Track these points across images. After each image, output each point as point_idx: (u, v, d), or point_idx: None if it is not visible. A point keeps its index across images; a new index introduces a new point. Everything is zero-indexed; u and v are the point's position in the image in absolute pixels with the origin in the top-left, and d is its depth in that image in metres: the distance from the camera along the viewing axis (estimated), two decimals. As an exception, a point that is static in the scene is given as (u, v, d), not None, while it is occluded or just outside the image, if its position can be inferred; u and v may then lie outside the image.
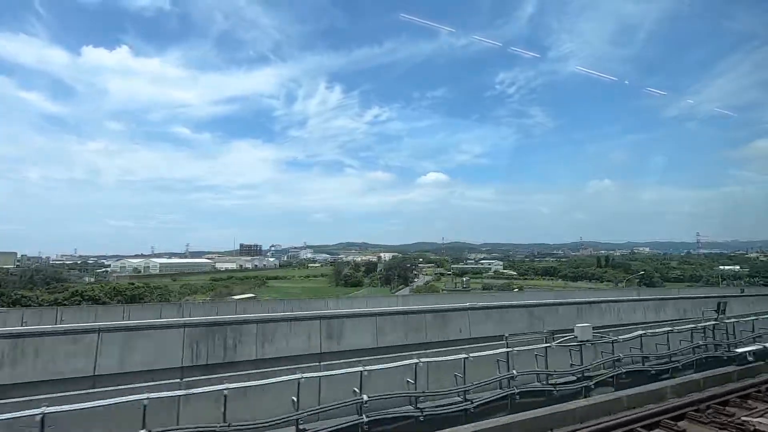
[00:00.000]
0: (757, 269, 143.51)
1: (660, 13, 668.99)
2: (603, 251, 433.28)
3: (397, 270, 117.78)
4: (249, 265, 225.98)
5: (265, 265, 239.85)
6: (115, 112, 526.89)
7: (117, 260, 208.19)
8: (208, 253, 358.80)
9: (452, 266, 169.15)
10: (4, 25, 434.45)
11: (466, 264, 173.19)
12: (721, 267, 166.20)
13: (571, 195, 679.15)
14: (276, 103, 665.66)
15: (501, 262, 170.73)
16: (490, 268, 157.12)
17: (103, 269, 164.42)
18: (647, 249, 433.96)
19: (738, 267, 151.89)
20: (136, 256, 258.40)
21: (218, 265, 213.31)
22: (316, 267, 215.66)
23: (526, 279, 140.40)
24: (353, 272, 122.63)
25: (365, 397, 8.37)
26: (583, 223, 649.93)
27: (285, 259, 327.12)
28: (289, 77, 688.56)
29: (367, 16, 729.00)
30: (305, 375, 8.29)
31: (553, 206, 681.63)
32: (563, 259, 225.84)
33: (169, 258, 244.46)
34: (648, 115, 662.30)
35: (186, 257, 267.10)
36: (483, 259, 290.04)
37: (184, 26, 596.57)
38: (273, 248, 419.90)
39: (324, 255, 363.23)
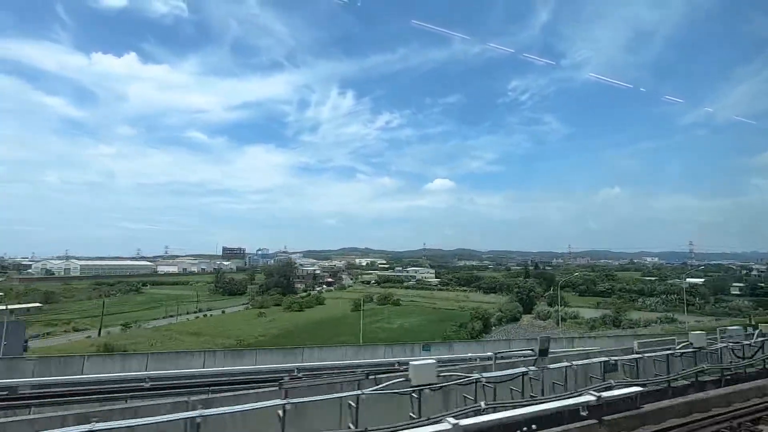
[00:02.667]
0: (712, 284, 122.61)
1: (676, 19, 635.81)
2: (603, 260, 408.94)
3: (275, 278, 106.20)
4: (196, 269, 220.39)
5: (215, 268, 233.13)
6: (131, 117, 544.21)
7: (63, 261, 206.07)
8: (188, 256, 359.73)
9: (380, 274, 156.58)
10: (29, 32, 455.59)
11: (396, 271, 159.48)
12: (689, 279, 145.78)
13: (583, 203, 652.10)
14: (289, 109, 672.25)
15: (433, 270, 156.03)
16: (415, 276, 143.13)
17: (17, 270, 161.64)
18: (656, 259, 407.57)
19: (702, 280, 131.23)
20: (129, 258, 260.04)
21: (160, 269, 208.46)
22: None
23: (440, 290, 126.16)
24: (233, 278, 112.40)
25: None
26: (594, 232, 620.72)
27: (271, 263, 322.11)
28: (303, 83, 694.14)
29: (381, 24, 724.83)
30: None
31: (564, 214, 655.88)
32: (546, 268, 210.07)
33: (139, 260, 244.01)
34: (663, 122, 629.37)
35: (160, 261, 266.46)
36: (482, 265, 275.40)
37: (200, 33, 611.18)
38: (260, 252, 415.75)
39: (311, 260, 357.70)
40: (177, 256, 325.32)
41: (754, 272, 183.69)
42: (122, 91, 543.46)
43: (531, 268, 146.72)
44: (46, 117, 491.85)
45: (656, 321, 60.06)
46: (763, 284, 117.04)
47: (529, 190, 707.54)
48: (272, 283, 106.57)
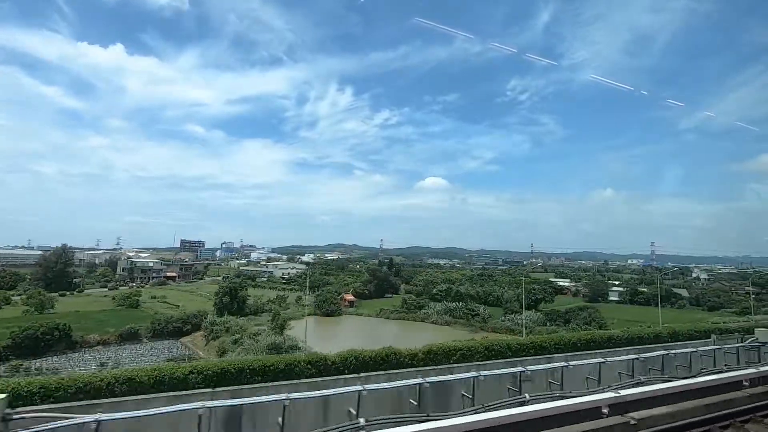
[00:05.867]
0: (591, 288, 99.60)
1: (675, 24, 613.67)
2: (579, 261, 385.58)
3: (45, 270, 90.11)
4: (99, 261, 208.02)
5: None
6: (130, 109, 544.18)
7: None
8: (148, 249, 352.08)
9: (245, 270, 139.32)
10: (27, 21, 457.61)
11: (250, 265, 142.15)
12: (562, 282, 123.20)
13: (578, 205, 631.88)
14: (287, 104, 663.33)
15: (303, 266, 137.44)
16: (272, 272, 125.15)
17: None
18: (642, 261, 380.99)
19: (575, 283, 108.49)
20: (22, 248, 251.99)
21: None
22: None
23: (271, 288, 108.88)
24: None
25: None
26: (588, 234, 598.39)
27: (235, 256, 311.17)
28: (302, 79, 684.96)
29: (384, 22, 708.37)
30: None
31: (558, 215, 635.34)
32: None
33: (33, 251, 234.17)
34: (660, 126, 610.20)
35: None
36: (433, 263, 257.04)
37: (200, 27, 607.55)
38: (224, 245, 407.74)
39: (276, 255, 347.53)
40: (146, 249, 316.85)
41: (704, 275, 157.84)
42: (120, 82, 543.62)
43: (385, 265, 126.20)
44: (43, 107, 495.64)
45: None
46: (645, 289, 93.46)
47: (525, 190, 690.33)
48: (38, 275, 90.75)
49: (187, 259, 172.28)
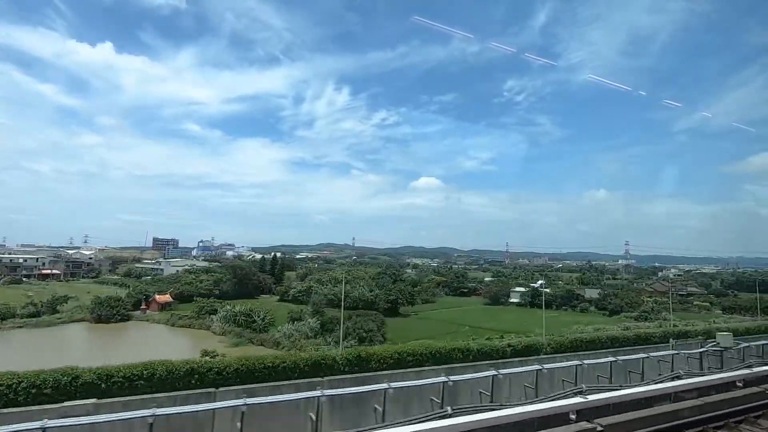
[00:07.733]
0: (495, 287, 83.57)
1: (674, 25, 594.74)
2: (564, 261, 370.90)
3: None
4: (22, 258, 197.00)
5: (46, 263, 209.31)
6: (127, 107, 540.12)
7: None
8: (121, 248, 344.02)
9: (144, 266, 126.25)
10: (25, 19, 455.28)
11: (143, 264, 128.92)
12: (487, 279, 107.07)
13: (574, 204, 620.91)
14: (285, 103, 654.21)
15: (196, 263, 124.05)
16: (162, 270, 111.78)
17: None
18: (633, 261, 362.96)
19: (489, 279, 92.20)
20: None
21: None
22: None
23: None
24: None
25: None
26: (586, 234, 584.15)
27: (213, 254, 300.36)
28: (299, 78, 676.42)
29: (382, 22, 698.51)
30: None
31: (555, 215, 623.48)
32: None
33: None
34: (659, 127, 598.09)
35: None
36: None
37: (197, 25, 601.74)
38: (201, 243, 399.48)
39: (253, 253, 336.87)
40: (76, 247, 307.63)
41: (674, 272, 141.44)
42: (115, 80, 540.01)
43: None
44: (39, 105, 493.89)
45: None
46: (548, 290, 77.62)
47: (522, 190, 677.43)
48: None
49: (143, 257, 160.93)
